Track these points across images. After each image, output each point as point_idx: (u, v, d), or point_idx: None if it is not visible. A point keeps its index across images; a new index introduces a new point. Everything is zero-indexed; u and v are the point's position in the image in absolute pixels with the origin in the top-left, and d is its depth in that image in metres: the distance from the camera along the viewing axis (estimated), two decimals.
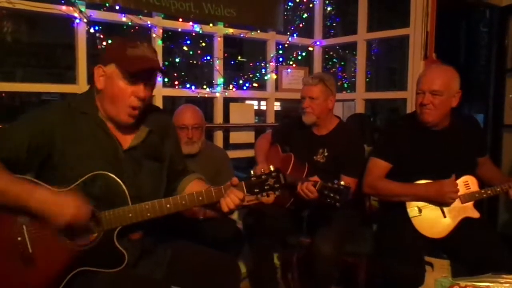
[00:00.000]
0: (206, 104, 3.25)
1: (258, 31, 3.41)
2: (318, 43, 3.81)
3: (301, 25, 3.73)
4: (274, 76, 3.60)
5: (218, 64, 3.25)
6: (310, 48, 3.82)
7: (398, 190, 2.17)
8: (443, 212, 2.13)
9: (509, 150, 3.70)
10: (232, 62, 3.68)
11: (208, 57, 3.29)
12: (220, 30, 3.23)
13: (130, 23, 2.82)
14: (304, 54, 3.81)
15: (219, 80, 3.27)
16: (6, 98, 7.73)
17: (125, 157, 1.54)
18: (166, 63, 3.16)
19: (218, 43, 3.25)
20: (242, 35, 3.34)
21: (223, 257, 1.72)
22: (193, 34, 3.16)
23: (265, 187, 1.59)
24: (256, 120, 3.81)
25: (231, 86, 3.40)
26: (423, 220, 2.13)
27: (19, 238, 1.36)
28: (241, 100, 4.07)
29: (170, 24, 3.03)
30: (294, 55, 3.78)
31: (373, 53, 5.59)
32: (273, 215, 2.40)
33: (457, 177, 2.12)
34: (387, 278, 2.04)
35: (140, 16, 2.86)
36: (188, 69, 3.89)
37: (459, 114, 2.26)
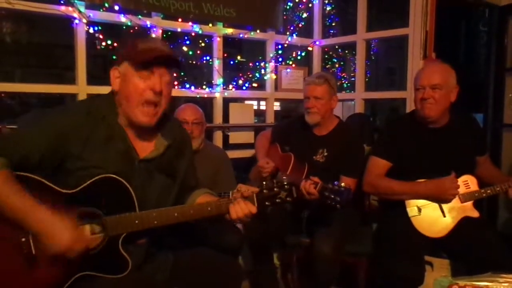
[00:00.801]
0: (205, 105, 3.25)
1: (258, 31, 3.41)
2: (317, 43, 3.81)
3: (300, 25, 3.73)
4: (274, 76, 3.60)
5: (217, 64, 3.25)
6: (310, 48, 3.82)
7: (398, 188, 2.17)
8: (442, 211, 2.13)
9: (509, 150, 3.70)
10: (232, 62, 3.68)
11: (208, 57, 3.29)
12: (219, 30, 3.23)
13: (129, 23, 2.82)
14: (303, 54, 3.81)
15: (219, 80, 3.27)
16: (5, 98, 7.72)
17: (139, 167, 1.51)
18: None
19: (218, 43, 3.25)
20: (241, 35, 3.34)
21: (223, 258, 1.72)
22: (193, 34, 3.15)
23: (277, 200, 1.57)
24: (256, 120, 3.81)
25: (230, 86, 3.40)
26: (423, 219, 2.13)
27: (23, 239, 1.34)
28: (241, 100, 4.07)
29: (169, 24, 3.02)
30: (294, 55, 3.78)
31: (373, 53, 5.59)
32: (272, 216, 2.39)
33: (457, 177, 2.12)
34: (386, 278, 2.04)
35: (140, 16, 2.85)
36: (187, 69, 3.89)
37: (458, 113, 2.27)
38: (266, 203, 1.56)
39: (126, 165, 1.48)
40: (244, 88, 3.49)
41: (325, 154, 2.47)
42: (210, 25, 3.20)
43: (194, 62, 3.25)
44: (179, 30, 3.08)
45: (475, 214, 2.16)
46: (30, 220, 1.29)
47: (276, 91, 3.64)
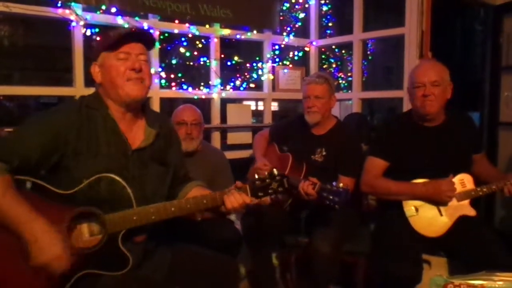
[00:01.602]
0: (203, 105, 3.26)
1: (254, 32, 3.42)
2: (314, 43, 3.83)
3: (297, 25, 3.74)
4: (271, 77, 3.61)
5: (215, 65, 3.26)
6: (306, 48, 3.84)
7: (396, 188, 2.18)
8: (439, 210, 2.14)
9: (505, 148, 3.71)
10: (229, 63, 3.69)
11: (205, 58, 3.30)
12: (216, 31, 3.24)
13: (126, 26, 2.82)
14: (300, 54, 3.82)
15: (216, 81, 3.28)
16: (3, 101, 7.71)
17: (133, 157, 1.54)
18: (163, 64, 3.17)
19: (215, 44, 3.26)
20: (238, 36, 3.35)
21: (222, 258, 1.73)
22: (190, 35, 3.16)
23: (269, 191, 1.59)
24: (254, 121, 3.81)
25: (228, 87, 3.41)
26: (420, 219, 2.14)
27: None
28: (238, 100, 4.08)
29: (166, 26, 3.03)
30: (291, 55, 3.79)
31: (369, 53, 5.60)
32: (271, 216, 2.40)
33: (453, 176, 2.13)
34: (385, 277, 2.05)
35: (137, 18, 2.86)
36: (185, 71, 3.90)
37: (454, 111, 2.28)
38: (259, 193, 1.59)
39: (121, 156, 1.51)
40: (241, 88, 3.50)
41: (323, 153, 2.48)
42: (207, 26, 3.20)
43: (191, 63, 3.25)
44: (176, 31, 3.09)
45: (472, 212, 2.17)
46: (23, 229, 1.31)
47: (273, 91, 3.65)
